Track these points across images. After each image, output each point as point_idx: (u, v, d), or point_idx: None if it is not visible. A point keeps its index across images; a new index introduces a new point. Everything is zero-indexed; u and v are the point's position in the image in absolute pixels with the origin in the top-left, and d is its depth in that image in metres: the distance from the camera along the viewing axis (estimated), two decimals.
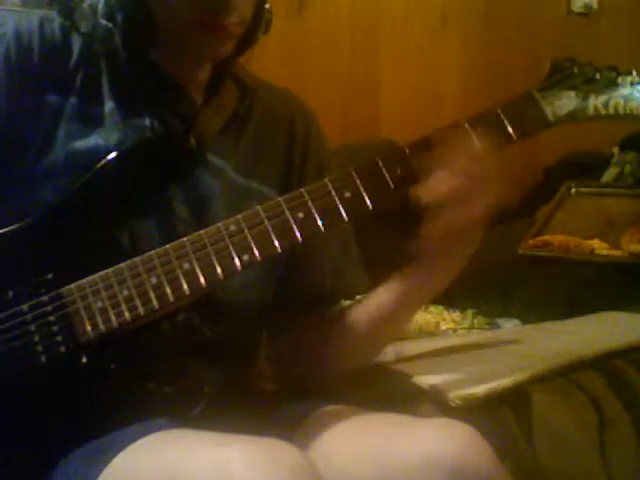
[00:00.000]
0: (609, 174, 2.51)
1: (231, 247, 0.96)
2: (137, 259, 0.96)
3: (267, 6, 1.09)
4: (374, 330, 1.15)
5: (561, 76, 1.04)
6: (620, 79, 1.03)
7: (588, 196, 2.35)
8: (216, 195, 1.09)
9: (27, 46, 1.03)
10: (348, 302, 1.23)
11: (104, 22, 1.04)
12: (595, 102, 1.03)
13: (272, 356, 1.26)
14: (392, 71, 2.87)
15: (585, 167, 2.60)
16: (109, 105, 1.06)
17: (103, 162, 1.00)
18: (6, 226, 0.99)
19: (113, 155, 1.00)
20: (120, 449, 0.92)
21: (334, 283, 1.22)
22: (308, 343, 1.19)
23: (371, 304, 1.15)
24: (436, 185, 0.97)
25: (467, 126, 0.99)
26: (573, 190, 2.37)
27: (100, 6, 1.03)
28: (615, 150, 2.57)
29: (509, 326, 1.74)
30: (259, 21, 1.08)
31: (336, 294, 1.22)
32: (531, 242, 2.16)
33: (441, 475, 0.89)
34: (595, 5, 3.02)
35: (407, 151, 0.99)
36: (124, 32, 1.04)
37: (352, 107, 2.78)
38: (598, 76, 1.04)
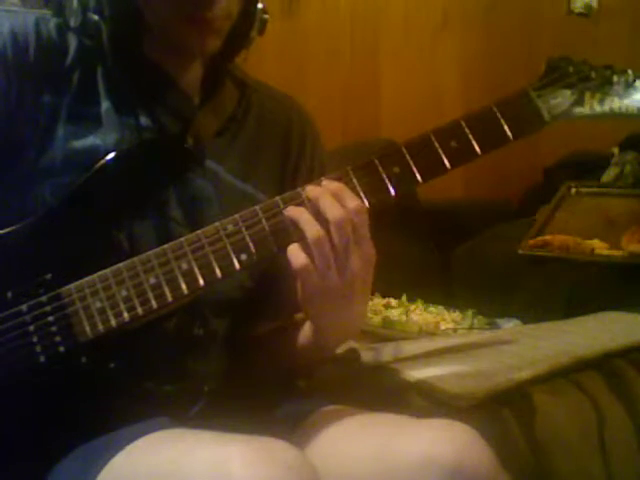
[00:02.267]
0: (609, 174, 2.51)
1: (229, 247, 0.96)
2: (136, 259, 0.96)
3: (260, 6, 1.09)
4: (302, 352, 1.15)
5: (556, 75, 1.03)
6: (615, 78, 1.03)
7: (588, 196, 2.35)
8: (211, 199, 1.09)
9: (23, 46, 1.03)
10: None
11: (93, 16, 1.04)
12: (591, 100, 1.03)
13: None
14: (392, 71, 2.88)
15: (585, 167, 2.60)
16: (105, 104, 1.06)
17: (101, 163, 1.00)
18: (5, 226, 0.99)
19: (111, 156, 1.00)
20: (119, 449, 0.92)
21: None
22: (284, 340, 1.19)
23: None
24: (299, 251, 0.96)
25: (353, 179, 0.98)
26: (573, 190, 2.37)
27: (89, 1, 1.04)
28: (615, 150, 2.56)
29: (509, 326, 1.73)
30: (251, 20, 1.08)
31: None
32: (531, 242, 2.16)
33: (440, 476, 0.89)
34: (595, 5, 3.02)
35: (404, 149, 0.99)
36: (112, 26, 1.04)
37: (352, 107, 2.79)
38: (593, 75, 1.04)
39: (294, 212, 0.97)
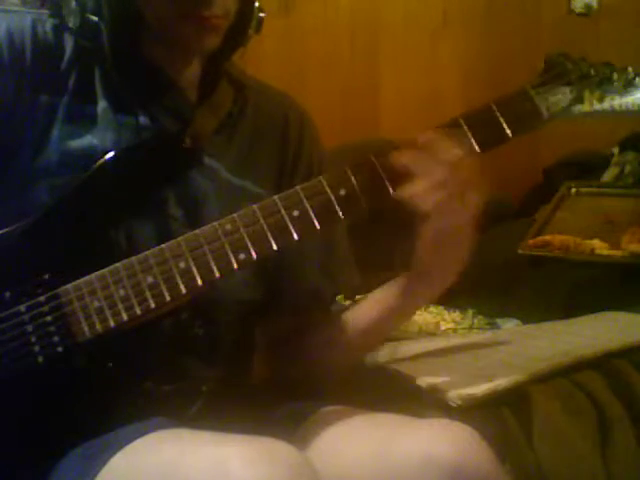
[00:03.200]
0: (609, 174, 2.51)
1: (227, 246, 0.96)
2: (133, 259, 0.96)
3: (256, 4, 1.09)
4: (369, 331, 1.16)
5: (555, 72, 1.03)
6: (615, 75, 1.03)
7: (588, 196, 2.35)
8: (210, 196, 1.09)
9: (19, 46, 1.03)
10: (348, 302, 1.24)
11: (92, 17, 1.04)
12: (590, 98, 1.03)
13: (267, 355, 1.26)
14: (392, 71, 2.87)
15: (585, 167, 2.60)
16: (102, 104, 1.06)
17: (99, 163, 1.00)
18: (3, 226, 0.99)
19: (109, 156, 1.00)
20: (118, 449, 0.92)
21: (319, 284, 1.22)
22: (300, 344, 1.20)
23: (368, 307, 1.16)
24: (423, 191, 0.97)
25: (464, 126, 0.99)
26: (573, 190, 2.37)
27: (88, 1, 1.04)
28: (615, 150, 2.56)
29: (509, 326, 1.73)
30: (248, 18, 1.09)
31: (322, 294, 1.22)
32: (531, 242, 2.16)
33: (440, 476, 0.89)
34: (595, 5, 3.02)
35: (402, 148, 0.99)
36: (111, 27, 1.04)
37: (352, 107, 2.78)
38: (593, 72, 1.04)
39: (407, 156, 0.98)
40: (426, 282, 1.09)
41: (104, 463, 0.91)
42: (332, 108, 2.66)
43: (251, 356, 1.24)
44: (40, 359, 0.95)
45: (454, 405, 1.12)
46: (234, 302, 1.12)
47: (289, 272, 1.18)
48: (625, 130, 2.55)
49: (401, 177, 0.98)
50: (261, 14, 1.11)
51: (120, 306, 0.95)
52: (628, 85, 1.03)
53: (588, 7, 3.01)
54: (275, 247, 0.96)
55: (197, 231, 0.97)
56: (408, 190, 0.97)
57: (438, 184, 0.96)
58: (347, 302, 1.26)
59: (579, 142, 2.55)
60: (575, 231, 2.16)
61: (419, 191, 0.97)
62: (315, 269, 1.21)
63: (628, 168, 2.46)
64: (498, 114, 1.00)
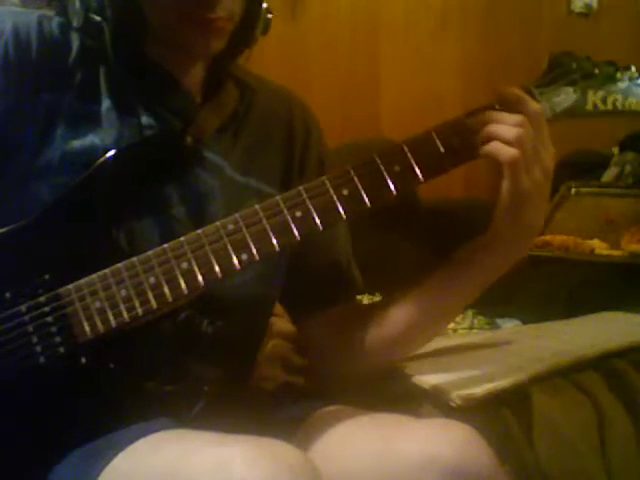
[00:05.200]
0: (609, 174, 2.51)
1: (229, 246, 0.96)
2: (135, 259, 0.96)
3: (264, 5, 1.09)
4: (420, 320, 1.16)
5: (559, 72, 1.04)
6: (618, 74, 1.04)
7: (588, 196, 2.35)
8: (215, 194, 1.09)
9: (25, 44, 1.03)
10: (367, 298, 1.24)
11: (95, 17, 1.03)
12: (593, 98, 1.03)
13: (303, 350, 1.27)
14: (392, 71, 2.88)
15: (585, 167, 2.60)
16: (106, 103, 1.05)
17: (100, 161, 1.00)
18: (3, 226, 0.98)
19: (110, 154, 1.00)
20: (120, 449, 0.92)
21: (348, 271, 1.23)
22: (336, 337, 1.20)
23: (418, 292, 1.16)
24: (496, 147, 0.99)
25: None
26: (573, 190, 2.37)
27: (92, 2, 1.03)
28: (615, 150, 2.56)
29: (509, 326, 1.73)
30: (254, 20, 1.08)
31: (352, 282, 1.23)
32: None
33: (441, 475, 0.89)
34: (595, 5, 3.02)
35: (405, 148, 0.99)
36: (115, 27, 1.04)
37: (352, 107, 2.78)
38: (597, 71, 1.04)
39: (485, 129, 1.00)
40: (499, 248, 1.09)
41: (106, 463, 0.91)
42: (332, 107, 2.66)
43: (254, 357, 1.24)
44: (42, 359, 0.95)
45: (454, 405, 1.11)
46: (243, 300, 1.12)
47: (318, 253, 1.20)
48: (625, 130, 2.55)
49: (403, 175, 0.99)
50: (268, 15, 1.10)
51: (122, 306, 0.95)
52: (631, 85, 1.03)
53: (588, 7, 3.02)
54: (277, 247, 0.97)
55: (199, 231, 0.97)
56: (485, 148, 0.99)
57: (510, 142, 0.97)
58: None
59: (579, 142, 2.55)
60: (575, 231, 2.16)
61: (494, 147, 0.98)
62: (342, 254, 1.23)
63: (628, 168, 2.47)
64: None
